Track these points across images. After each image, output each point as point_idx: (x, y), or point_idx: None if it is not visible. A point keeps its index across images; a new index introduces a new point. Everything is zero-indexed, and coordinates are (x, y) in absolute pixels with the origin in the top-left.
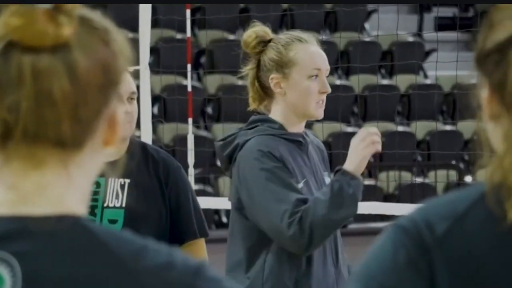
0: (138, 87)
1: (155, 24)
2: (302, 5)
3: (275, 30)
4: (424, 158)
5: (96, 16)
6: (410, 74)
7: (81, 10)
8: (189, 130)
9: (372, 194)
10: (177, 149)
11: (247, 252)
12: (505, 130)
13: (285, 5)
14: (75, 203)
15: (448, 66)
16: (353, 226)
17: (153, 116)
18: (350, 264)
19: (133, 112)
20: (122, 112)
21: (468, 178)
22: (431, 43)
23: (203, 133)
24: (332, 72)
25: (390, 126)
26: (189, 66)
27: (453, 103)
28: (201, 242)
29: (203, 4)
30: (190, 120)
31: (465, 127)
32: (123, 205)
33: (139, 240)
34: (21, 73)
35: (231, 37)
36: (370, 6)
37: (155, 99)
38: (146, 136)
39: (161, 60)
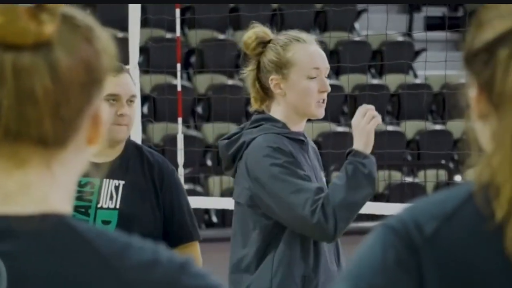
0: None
1: (144, 23)
2: (292, 5)
3: None
4: (413, 157)
5: (79, 14)
6: (399, 74)
7: (64, 8)
8: (179, 129)
9: None
10: (167, 148)
11: (257, 248)
12: (493, 129)
13: (275, 5)
14: (59, 202)
15: (437, 66)
16: None
17: (143, 115)
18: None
19: (131, 114)
20: (114, 114)
21: (457, 178)
22: (420, 42)
23: (193, 132)
24: None
25: (379, 126)
26: (178, 66)
27: (443, 102)
28: (195, 244)
29: (192, 3)
30: (180, 119)
31: (455, 126)
32: (117, 206)
33: (124, 238)
34: (2, 71)
35: (221, 36)
36: (360, 6)
37: (145, 98)
38: (136, 135)
39: (150, 59)
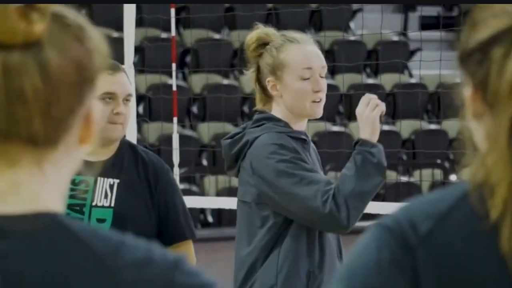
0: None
1: (139, 23)
2: (287, 5)
3: None
4: (409, 157)
5: (70, 13)
6: (395, 73)
7: (54, 7)
8: (174, 129)
9: None
10: (163, 148)
11: (263, 245)
12: (488, 128)
13: (270, 5)
14: (51, 201)
15: (432, 65)
16: None
17: (138, 115)
18: None
19: (127, 113)
20: (110, 112)
21: (453, 177)
22: (415, 42)
23: (188, 132)
24: None
25: None
26: (174, 66)
27: (438, 102)
28: (189, 243)
29: (188, 3)
30: (175, 119)
31: (450, 126)
32: (112, 204)
33: (117, 237)
34: None
35: (216, 36)
36: (355, 6)
37: (140, 98)
38: (131, 135)
39: (146, 59)
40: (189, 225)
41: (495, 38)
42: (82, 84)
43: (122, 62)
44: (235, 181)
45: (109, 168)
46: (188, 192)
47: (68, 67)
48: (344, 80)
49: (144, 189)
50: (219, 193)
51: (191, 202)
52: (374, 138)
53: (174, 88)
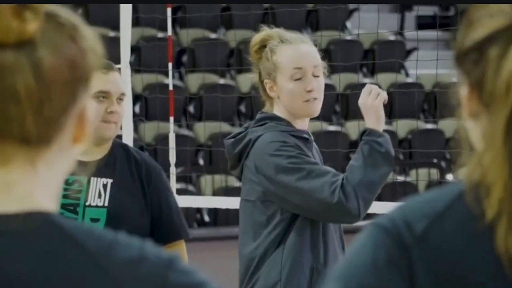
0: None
1: (136, 22)
2: (283, 4)
3: (256, 29)
4: (405, 156)
5: (64, 12)
6: (391, 73)
7: (48, 6)
8: (171, 129)
9: None
10: (159, 148)
11: (269, 242)
12: (484, 128)
13: (266, 4)
14: (44, 200)
15: (429, 65)
16: None
17: (135, 115)
18: None
19: (120, 112)
20: (103, 111)
21: (449, 177)
22: (412, 41)
23: (184, 132)
24: None
25: None
26: (170, 65)
27: (435, 101)
28: (182, 243)
29: (184, 3)
30: (171, 119)
31: (447, 125)
32: (106, 204)
33: (110, 235)
34: None
35: (213, 35)
36: (352, 5)
37: (136, 98)
38: (128, 135)
39: (142, 59)
40: (183, 224)
41: (491, 38)
42: (75, 83)
43: (118, 62)
44: (231, 181)
45: (102, 168)
46: (184, 192)
47: (61, 66)
48: (341, 80)
49: (138, 189)
50: (215, 193)
51: (188, 201)
52: (380, 127)
53: (171, 88)
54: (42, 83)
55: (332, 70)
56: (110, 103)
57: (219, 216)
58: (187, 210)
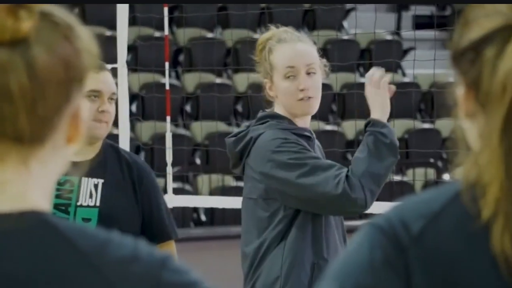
0: (116, 85)
1: (133, 22)
2: (280, 4)
3: (253, 29)
4: (402, 156)
5: (59, 12)
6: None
7: (43, 6)
8: (168, 128)
9: None
10: (156, 147)
11: (272, 239)
12: (480, 128)
13: (263, 4)
14: (37, 199)
15: (426, 65)
16: None
17: (131, 114)
18: None
19: (111, 112)
20: (95, 110)
21: (446, 176)
22: (409, 41)
23: (181, 131)
24: None
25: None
26: (167, 64)
27: (431, 101)
28: (172, 243)
29: (181, 2)
30: (168, 118)
31: (443, 125)
32: (97, 204)
33: (103, 234)
34: None
35: (209, 35)
36: (348, 5)
37: (133, 97)
38: (124, 134)
39: (139, 58)
40: (172, 225)
41: (487, 38)
42: (69, 83)
43: (115, 61)
44: (228, 180)
45: (92, 168)
46: (181, 191)
47: (55, 65)
48: (337, 79)
49: (129, 189)
50: (212, 192)
51: (184, 201)
52: (385, 117)
53: (167, 87)
54: (36, 82)
55: (329, 69)
56: (101, 103)
57: (215, 216)
58: (184, 210)
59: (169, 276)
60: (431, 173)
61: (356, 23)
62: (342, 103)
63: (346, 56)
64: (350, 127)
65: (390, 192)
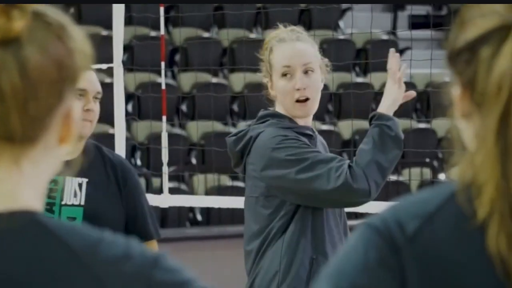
0: (112, 85)
1: (129, 21)
2: (276, 3)
3: (249, 29)
4: None
5: (52, 12)
6: (384, 72)
7: (36, 6)
8: (163, 128)
9: None
10: (152, 147)
11: (272, 235)
12: (476, 128)
13: (259, 4)
14: (29, 199)
15: (422, 64)
16: None
17: (127, 114)
18: None
19: (96, 111)
20: (80, 109)
21: (442, 176)
22: (405, 41)
23: (177, 131)
24: None
25: (364, 124)
26: (163, 64)
27: (427, 101)
28: (155, 243)
29: (177, 2)
30: (164, 118)
31: (439, 125)
32: (82, 203)
33: (95, 233)
34: None
35: (205, 35)
36: (344, 5)
37: (129, 97)
38: (120, 134)
39: (135, 57)
40: (155, 225)
41: (482, 38)
42: (62, 83)
43: (111, 61)
44: (224, 180)
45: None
46: (177, 191)
47: (48, 65)
48: (333, 79)
49: (113, 188)
50: (208, 192)
51: (180, 200)
52: (390, 112)
53: (163, 87)
54: (28, 82)
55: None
56: (86, 101)
57: (211, 216)
58: (180, 209)
59: (161, 275)
60: (427, 173)
61: (352, 23)
62: (338, 103)
63: (342, 56)
64: (346, 127)
65: (386, 192)
